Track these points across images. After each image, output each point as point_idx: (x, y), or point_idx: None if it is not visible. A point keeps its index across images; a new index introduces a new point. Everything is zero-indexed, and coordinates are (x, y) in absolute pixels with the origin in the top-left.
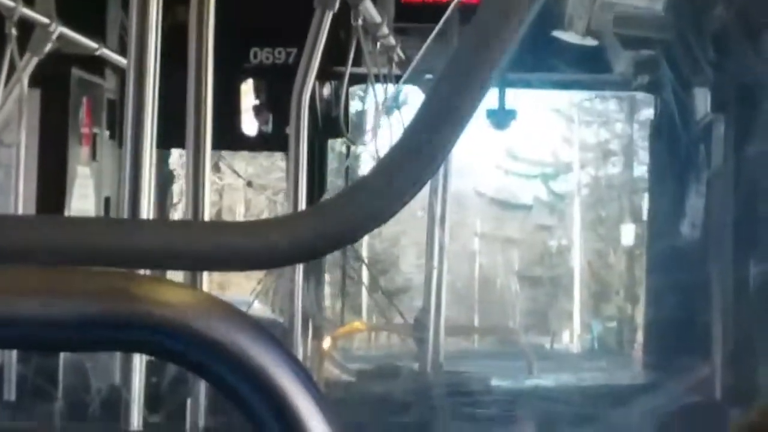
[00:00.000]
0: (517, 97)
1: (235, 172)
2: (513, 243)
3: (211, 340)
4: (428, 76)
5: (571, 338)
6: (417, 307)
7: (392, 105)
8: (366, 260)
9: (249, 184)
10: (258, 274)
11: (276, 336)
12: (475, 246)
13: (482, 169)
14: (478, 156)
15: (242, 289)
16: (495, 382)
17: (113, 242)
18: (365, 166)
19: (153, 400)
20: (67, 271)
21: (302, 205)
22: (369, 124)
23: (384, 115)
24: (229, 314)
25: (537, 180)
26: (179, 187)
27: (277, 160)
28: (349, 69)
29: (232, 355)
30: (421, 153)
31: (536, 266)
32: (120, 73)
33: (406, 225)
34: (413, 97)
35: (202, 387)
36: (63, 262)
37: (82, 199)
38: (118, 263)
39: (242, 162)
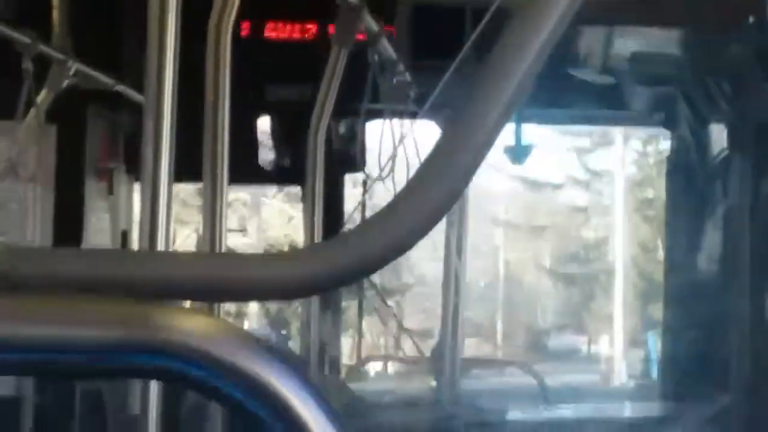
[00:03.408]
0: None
1: None
2: (542, 231)
3: (232, 368)
4: (444, 111)
5: (612, 343)
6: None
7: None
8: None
9: None
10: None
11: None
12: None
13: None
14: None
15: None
16: (512, 414)
17: (132, 273)
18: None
19: (171, 428)
20: (88, 299)
21: (318, 239)
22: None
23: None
24: (249, 342)
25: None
26: None
27: None
28: (365, 105)
29: (253, 383)
30: (438, 186)
31: (570, 260)
32: (137, 108)
33: None
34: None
35: (219, 415)
36: (81, 293)
37: (99, 234)
38: (137, 294)
39: None
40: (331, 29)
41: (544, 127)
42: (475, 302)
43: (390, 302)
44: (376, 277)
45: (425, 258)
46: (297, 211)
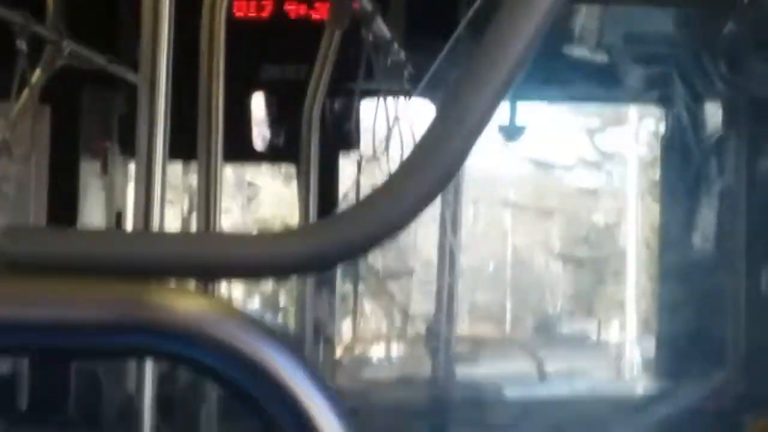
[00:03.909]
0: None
1: None
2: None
3: (226, 346)
4: (440, 90)
5: (623, 329)
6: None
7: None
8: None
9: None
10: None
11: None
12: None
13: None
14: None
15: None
16: (508, 390)
17: (128, 253)
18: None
19: (166, 408)
20: (84, 279)
21: (313, 218)
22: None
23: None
24: (244, 321)
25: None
26: None
27: None
28: (360, 84)
29: (247, 361)
30: (433, 166)
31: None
32: (132, 88)
33: None
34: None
35: (214, 394)
36: (77, 273)
37: (93, 214)
38: (133, 274)
39: None
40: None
41: (553, 106)
42: (483, 286)
43: (395, 286)
44: (378, 261)
45: (433, 243)
46: (288, 190)
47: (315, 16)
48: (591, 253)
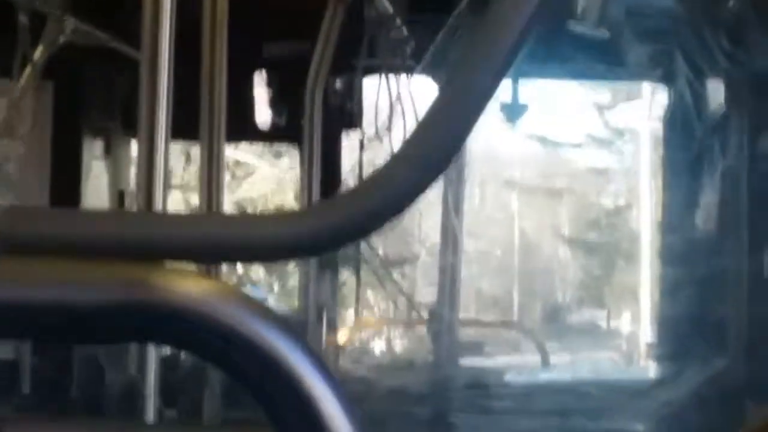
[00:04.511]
0: None
1: None
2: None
3: (229, 329)
4: (442, 66)
5: (634, 315)
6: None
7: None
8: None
9: None
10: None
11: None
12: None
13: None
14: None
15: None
16: (510, 376)
17: (132, 234)
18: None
19: (169, 392)
20: (87, 261)
21: (316, 197)
22: (383, 115)
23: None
24: (247, 304)
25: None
26: None
27: None
28: (362, 61)
29: (250, 344)
30: (436, 144)
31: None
32: (135, 66)
33: None
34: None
35: (217, 378)
36: (79, 255)
37: (96, 193)
38: (137, 256)
39: None
40: None
41: (553, 83)
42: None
43: (400, 273)
44: (380, 247)
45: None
46: (281, 171)
47: None
48: (601, 237)
